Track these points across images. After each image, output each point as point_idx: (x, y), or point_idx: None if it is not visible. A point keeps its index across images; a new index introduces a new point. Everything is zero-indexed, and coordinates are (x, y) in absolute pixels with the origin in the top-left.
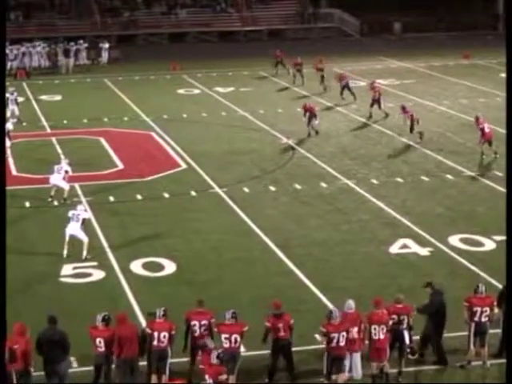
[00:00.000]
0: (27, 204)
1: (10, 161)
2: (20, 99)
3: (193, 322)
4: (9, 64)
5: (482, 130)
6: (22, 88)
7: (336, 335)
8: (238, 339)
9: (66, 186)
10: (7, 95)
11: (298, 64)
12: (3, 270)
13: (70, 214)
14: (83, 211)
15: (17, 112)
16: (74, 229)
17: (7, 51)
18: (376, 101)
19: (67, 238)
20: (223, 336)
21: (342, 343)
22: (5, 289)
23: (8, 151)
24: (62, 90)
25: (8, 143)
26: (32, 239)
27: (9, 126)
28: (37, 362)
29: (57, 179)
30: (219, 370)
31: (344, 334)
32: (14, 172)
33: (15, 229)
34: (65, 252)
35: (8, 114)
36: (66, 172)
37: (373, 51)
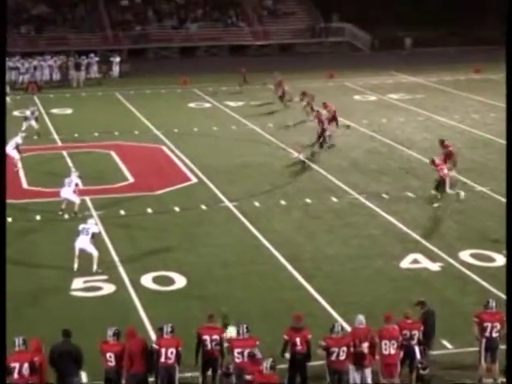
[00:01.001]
0: (38, 217)
1: (21, 174)
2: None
3: (204, 337)
4: (20, 77)
5: (450, 152)
6: (33, 101)
7: (336, 349)
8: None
9: (76, 200)
10: (27, 112)
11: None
12: (3, 280)
13: (80, 227)
14: (93, 225)
15: (36, 126)
16: (83, 242)
17: (19, 65)
18: (333, 119)
19: (77, 252)
20: (236, 351)
21: (342, 357)
22: (5, 298)
23: (18, 164)
24: (73, 103)
25: (17, 156)
26: (43, 252)
27: (18, 139)
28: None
29: (67, 192)
30: (274, 379)
31: (344, 348)
32: (24, 185)
33: (26, 242)
34: (75, 265)
35: (23, 127)
36: (77, 185)
37: (384, 66)
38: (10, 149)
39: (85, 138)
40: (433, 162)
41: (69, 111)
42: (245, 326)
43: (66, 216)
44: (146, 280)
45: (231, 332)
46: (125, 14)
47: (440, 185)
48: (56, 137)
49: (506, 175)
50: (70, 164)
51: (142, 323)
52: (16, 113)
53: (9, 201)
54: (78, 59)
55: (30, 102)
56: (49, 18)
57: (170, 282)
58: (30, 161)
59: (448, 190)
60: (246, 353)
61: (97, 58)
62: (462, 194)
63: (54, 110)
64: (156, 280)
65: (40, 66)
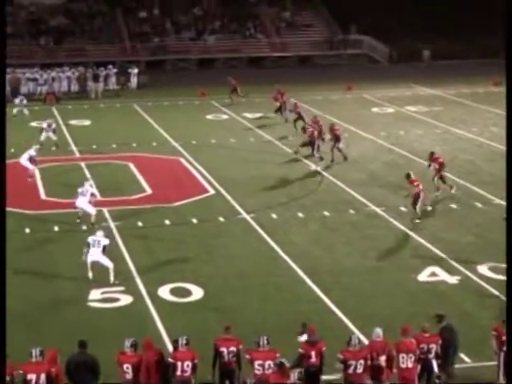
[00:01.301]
0: (56, 228)
1: (39, 185)
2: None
3: (221, 349)
4: (38, 88)
5: (441, 164)
6: (51, 113)
7: (354, 362)
8: (272, 366)
9: (92, 211)
10: (44, 125)
11: (279, 93)
12: (3, 284)
13: (90, 240)
14: (103, 237)
15: (54, 138)
16: (96, 255)
17: (37, 76)
18: (337, 140)
19: (89, 265)
20: (256, 363)
21: (360, 370)
22: (5, 301)
23: (35, 175)
24: (91, 114)
25: (31, 167)
26: (60, 263)
27: (32, 151)
28: None
29: (82, 202)
30: None
31: (362, 361)
32: (42, 196)
33: (44, 252)
34: (90, 275)
35: (41, 138)
36: (93, 195)
37: (402, 78)
38: (23, 160)
39: (103, 150)
40: (408, 176)
41: (87, 122)
42: (265, 337)
43: (84, 227)
44: (163, 291)
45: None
46: (143, 26)
47: (415, 200)
48: (74, 148)
49: (506, 183)
50: (88, 175)
51: (159, 335)
52: (34, 124)
53: (27, 212)
54: (96, 70)
55: (48, 113)
56: (67, 30)
57: (187, 293)
58: (48, 172)
59: (417, 208)
60: (266, 365)
61: (115, 70)
62: (418, 219)
63: (72, 122)
64: (173, 291)
65: (58, 78)
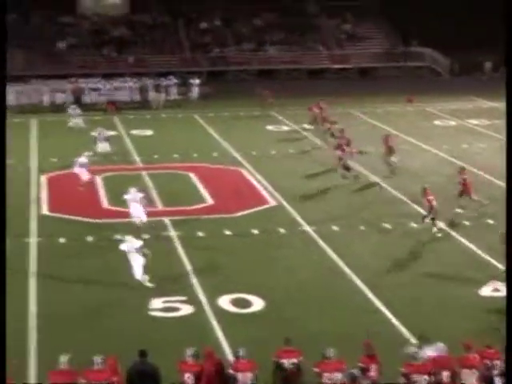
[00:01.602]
0: (118, 236)
1: (101, 193)
2: (111, 133)
3: (282, 361)
4: (100, 98)
5: (464, 180)
6: (112, 122)
7: (417, 377)
8: (340, 377)
9: (144, 218)
10: (95, 134)
11: (318, 107)
12: (3, 287)
13: (125, 247)
14: (135, 240)
15: (108, 148)
16: (140, 260)
17: (100, 86)
18: (390, 152)
19: (141, 272)
20: (325, 375)
21: None
22: (5, 301)
23: (97, 182)
24: (153, 124)
25: (84, 176)
26: (121, 271)
27: (82, 159)
28: None
29: (137, 209)
30: None
31: (426, 377)
32: (105, 205)
33: (105, 260)
34: (148, 283)
35: (99, 149)
36: (143, 197)
37: (463, 90)
38: (76, 168)
39: (165, 160)
40: (425, 190)
41: (149, 132)
42: (332, 349)
43: (146, 236)
44: (224, 302)
45: (426, 352)
46: (204, 37)
47: (430, 213)
48: (136, 158)
49: (507, 183)
50: (151, 184)
51: (219, 345)
52: (93, 133)
53: (89, 220)
54: (157, 81)
55: (109, 122)
56: (129, 40)
57: (248, 304)
58: (111, 181)
59: (426, 220)
60: (335, 377)
61: (176, 80)
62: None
63: (135, 132)
64: (234, 302)
65: (120, 88)
